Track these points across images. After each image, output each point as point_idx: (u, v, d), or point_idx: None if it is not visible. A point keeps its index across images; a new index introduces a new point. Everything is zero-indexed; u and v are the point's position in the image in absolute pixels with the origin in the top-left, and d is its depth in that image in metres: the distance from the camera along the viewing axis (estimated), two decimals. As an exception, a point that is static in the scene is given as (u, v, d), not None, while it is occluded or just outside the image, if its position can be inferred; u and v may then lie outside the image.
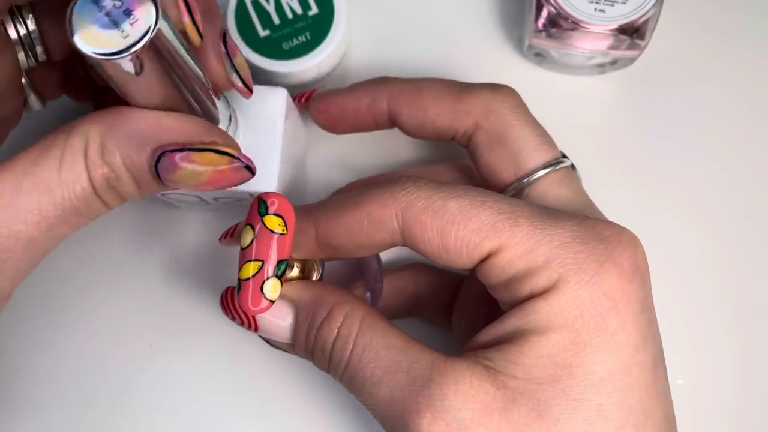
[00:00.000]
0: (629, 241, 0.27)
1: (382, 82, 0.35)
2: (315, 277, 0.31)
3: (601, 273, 0.26)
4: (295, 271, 0.30)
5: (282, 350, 0.31)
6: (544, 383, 0.26)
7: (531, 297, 0.27)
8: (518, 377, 0.26)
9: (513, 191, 0.31)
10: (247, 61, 0.38)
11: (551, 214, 0.27)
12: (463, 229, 0.27)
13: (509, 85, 0.33)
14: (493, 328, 0.28)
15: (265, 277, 0.27)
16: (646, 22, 0.36)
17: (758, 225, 0.39)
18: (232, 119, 0.31)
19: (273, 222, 0.27)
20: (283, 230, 0.27)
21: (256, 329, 0.30)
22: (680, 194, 0.39)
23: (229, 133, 0.31)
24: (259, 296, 0.27)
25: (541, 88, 0.41)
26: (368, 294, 0.34)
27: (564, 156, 0.32)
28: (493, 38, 0.42)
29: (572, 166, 0.32)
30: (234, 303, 0.30)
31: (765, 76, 0.41)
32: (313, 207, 0.29)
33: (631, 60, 0.39)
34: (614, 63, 0.39)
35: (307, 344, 0.29)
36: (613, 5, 0.36)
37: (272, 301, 0.27)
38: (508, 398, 0.26)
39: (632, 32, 0.36)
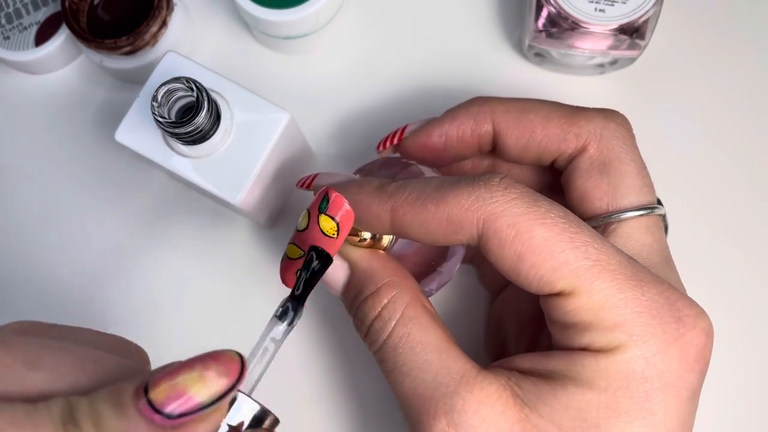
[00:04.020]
0: (703, 329, 0.26)
1: (483, 102, 0.32)
2: (386, 242, 0.31)
3: (664, 354, 0.26)
4: (366, 235, 0.30)
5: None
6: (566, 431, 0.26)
7: (584, 349, 0.26)
8: (543, 416, 0.26)
9: (600, 222, 0.30)
10: (245, 12, 0.38)
11: (636, 273, 0.26)
12: (542, 263, 0.26)
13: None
14: (534, 358, 0.27)
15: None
16: (646, 21, 0.36)
17: (760, 222, 0.39)
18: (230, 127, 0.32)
19: (326, 224, 0.28)
20: (334, 235, 0.28)
21: None
22: (680, 194, 0.39)
23: (220, 137, 0.32)
24: (293, 277, 0.29)
25: (541, 88, 0.41)
26: (435, 280, 0.33)
27: (659, 202, 0.31)
28: (493, 38, 0.42)
29: (664, 216, 0.31)
30: None
31: (765, 76, 0.41)
32: (391, 190, 0.28)
33: (631, 60, 0.39)
34: (614, 63, 0.39)
35: (350, 309, 0.30)
36: (613, 5, 0.36)
37: None
38: (527, 431, 0.26)
39: (632, 32, 0.36)
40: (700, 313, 0.27)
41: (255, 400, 0.23)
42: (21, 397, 0.20)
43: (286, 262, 0.29)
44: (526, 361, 0.28)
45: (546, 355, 0.27)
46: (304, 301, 0.26)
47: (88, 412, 0.20)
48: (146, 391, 0.20)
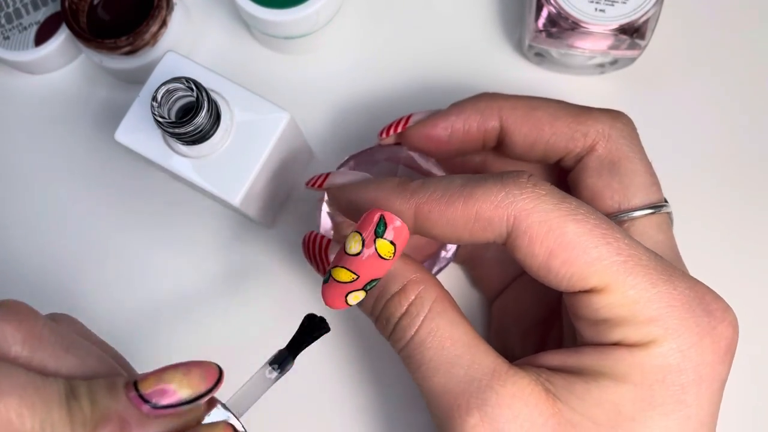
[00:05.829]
0: (731, 322, 0.27)
1: (490, 98, 0.32)
2: None
3: (698, 347, 0.26)
4: None
5: None
6: (602, 425, 0.26)
7: (617, 344, 0.26)
8: (576, 411, 0.26)
9: (612, 220, 0.29)
10: (245, 12, 0.38)
11: (666, 268, 0.26)
12: (575, 259, 0.25)
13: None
14: (562, 355, 0.27)
15: (354, 289, 0.27)
16: (646, 21, 0.36)
17: (758, 223, 0.39)
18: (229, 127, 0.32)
19: (385, 249, 0.27)
20: (391, 257, 0.27)
21: None
22: (680, 194, 0.39)
23: (220, 137, 0.32)
24: (342, 299, 0.28)
25: (541, 88, 0.41)
26: (436, 264, 0.33)
27: (665, 201, 0.31)
28: (493, 38, 0.42)
29: (670, 214, 0.32)
30: (314, 249, 0.31)
31: (764, 76, 0.41)
32: (413, 188, 0.27)
33: (631, 60, 0.39)
34: (614, 63, 0.39)
35: (373, 310, 0.29)
36: (613, 5, 0.36)
37: (350, 305, 0.28)
38: (561, 426, 0.26)
39: (632, 32, 0.36)
40: (727, 306, 0.27)
41: (236, 417, 0.26)
42: (55, 374, 0.24)
43: (335, 286, 0.28)
44: (554, 358, 0.27)
45: (575, 351, 0.27)
46: (297, 355, 0.28)
47: (86, 392, 0.23)
48: (136, 385, 0.23)
